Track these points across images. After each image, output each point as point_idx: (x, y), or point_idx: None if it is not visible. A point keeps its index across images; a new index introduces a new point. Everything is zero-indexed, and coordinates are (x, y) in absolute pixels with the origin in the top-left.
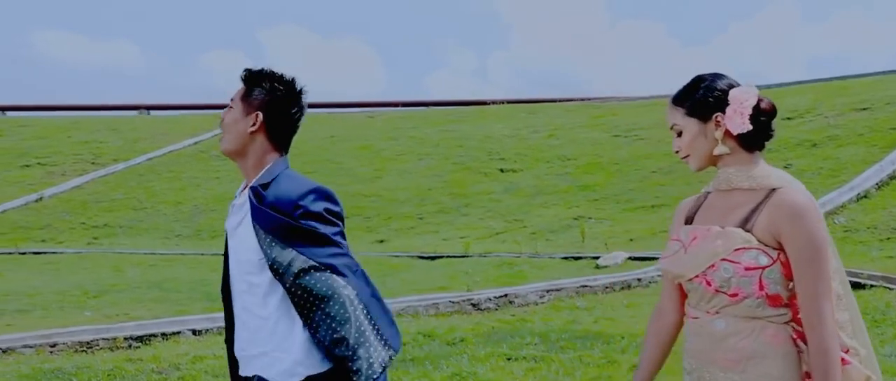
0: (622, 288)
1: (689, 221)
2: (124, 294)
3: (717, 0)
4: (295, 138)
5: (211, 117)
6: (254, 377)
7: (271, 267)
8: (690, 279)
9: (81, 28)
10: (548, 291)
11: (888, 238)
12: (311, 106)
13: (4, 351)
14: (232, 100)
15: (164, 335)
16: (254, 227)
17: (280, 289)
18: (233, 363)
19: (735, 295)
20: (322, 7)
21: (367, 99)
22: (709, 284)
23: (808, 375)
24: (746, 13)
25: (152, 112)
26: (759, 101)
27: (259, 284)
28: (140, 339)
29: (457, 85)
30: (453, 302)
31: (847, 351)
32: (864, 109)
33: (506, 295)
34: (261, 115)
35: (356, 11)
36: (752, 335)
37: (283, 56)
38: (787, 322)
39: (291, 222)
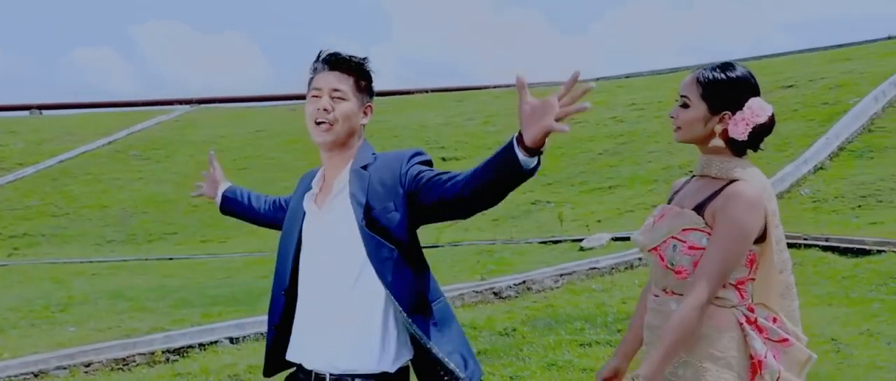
0: (626, 268)
1: (671, 200)
2: (91, 307)
3: None
4: (216, 134)
5: (122, 115)
6: (326, 375)
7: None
8: (649, 252)
9: None
10: (561, 275)
11: (859, 206)
12: (216, 101)
13: (36, 376)
14: (336, 91)
15: (201, 345)
16: (366, 204)
17: (370, 279)
18: (275, 357)
19: (679, 272)
20: (198, 2)
21: (249, 94)
22: (662, 259)
23: (753, 358)
24: (620, 1)
25: (45, 112)
26: (769, 118)
27: (351, 270)
28: (177, 351)
29: None
30: (477, 292)
31: (789, 335)
32: (789, 86)
33: (524, 282)
34: (372, 105)
35: (234, 6)
36: (701, 318)
37: (157, 52)
38: (733, 306)
39: (405, 174)
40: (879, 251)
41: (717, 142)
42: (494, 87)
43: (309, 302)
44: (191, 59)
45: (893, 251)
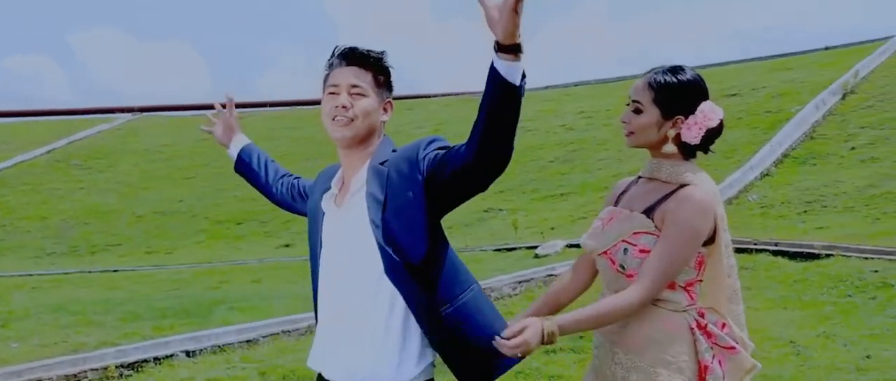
0: None
1: (617, 202)
2: (34, 321)
3: None
4: (159, 143)
5: (61, 124)
6: None
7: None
8: (600, 255)
9: None
10: (519, 282)
11: (805, 211)
12: (159, 109)
13: None
14: (354, 87)
15: (156, 359)
16: (384, 200)
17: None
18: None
19: (631, 276)
20: (139, 10)
21: (192, 102)
22: (612, 262)
23: (700, 364)
24: (562, 10)
25: None
26: (719, 122)
27: (370, 273)
28: (131, 366)
29: (288, 85)
30: None
31: (736, 343)
32: (733, 95)
33: (483, 289)
34: (391, 101)
35: (177, 14)
36: (650, 321)
37: (96, 60)
38: (684, 310)
39: (422, 160)
40: (828, 255)
41: (670, 147)
42: (444, 95)
43: (328, 307)
44: (131, 68)
45: (841, 255)
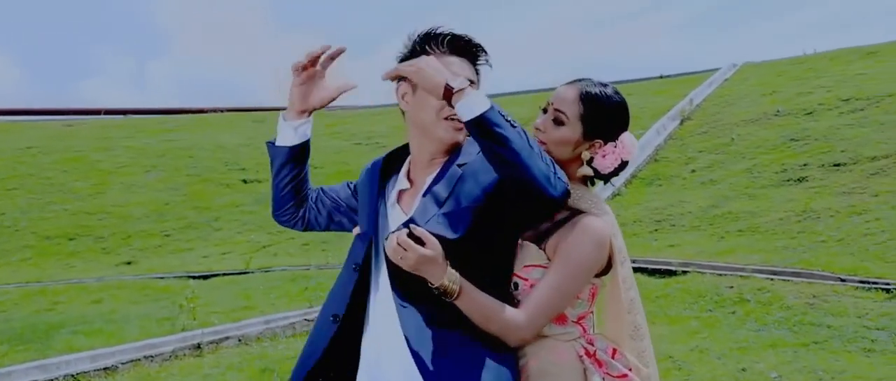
0: None
1: None
2: None
3: (380, 11)
4: None
5: None
6: None
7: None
8: None
9: None
10: None
11: (656, 230)
12: None
13: None
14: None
15: None
16: (447, 200)
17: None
18: None
19: None
20: None
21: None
22: None
23: None
24: (407, 27)
25: None
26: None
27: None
28: None
29: (113, 92)
30: (309, 320)
31: (629, 370)
32: None
33: None
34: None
35: None
36: (540, 354)
37: None
38: (574, 339)
39: None
40: (684, 271)
41: (585, 169)
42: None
43: (384, 331)
44: None
45: (697, 271)
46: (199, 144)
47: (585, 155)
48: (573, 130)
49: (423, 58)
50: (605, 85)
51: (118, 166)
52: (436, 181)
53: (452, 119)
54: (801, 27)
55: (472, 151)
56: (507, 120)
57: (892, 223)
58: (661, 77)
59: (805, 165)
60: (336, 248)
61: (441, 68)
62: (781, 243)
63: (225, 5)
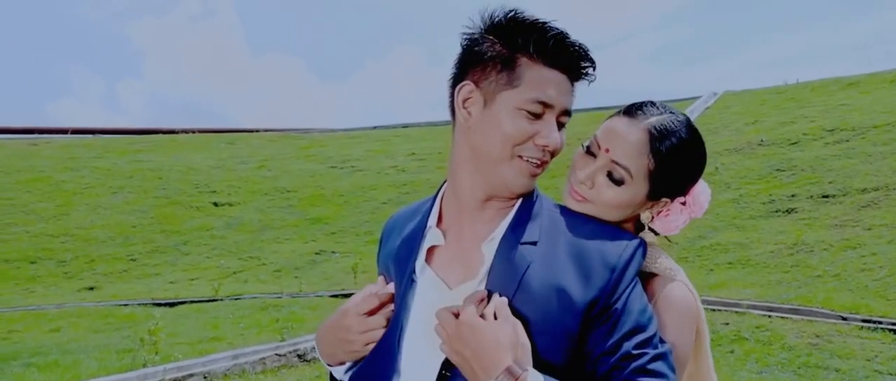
0: None
1: None
2: None
3: (355, 38)
4: None
5: None
6: None
7: None
8: None
9: None
10: None
11: None
12: None
13: None
14: (567, 114)
15: None
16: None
17: None
18: None
19: None
20: None
21: None
22: None
23: None
24: (381, 53)
25: None
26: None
27: None
28: None
29: (83, 112)
30: (279, 355)
31: None
32: None
33: None
34: None
35: None
36: None
37: None
38: None
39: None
40: None
41: (649, 236)
42: (266, 130)
43: None
44: None
45: None
46: (170, 165)
47: (646, 217)
48: (636, 190)
49: (487, 323)
50: (676, 116)
51: (83, 187)
52: (497, 257)
53: (530, 161)
54: (777, 59)
55: (548, 205)
56: None
57: (889, 259)
58: (596, 109)
59: (793, 196)
60: (309, 275)
61: (504, 342)
62: (775, 277)
63: (198, 26)
